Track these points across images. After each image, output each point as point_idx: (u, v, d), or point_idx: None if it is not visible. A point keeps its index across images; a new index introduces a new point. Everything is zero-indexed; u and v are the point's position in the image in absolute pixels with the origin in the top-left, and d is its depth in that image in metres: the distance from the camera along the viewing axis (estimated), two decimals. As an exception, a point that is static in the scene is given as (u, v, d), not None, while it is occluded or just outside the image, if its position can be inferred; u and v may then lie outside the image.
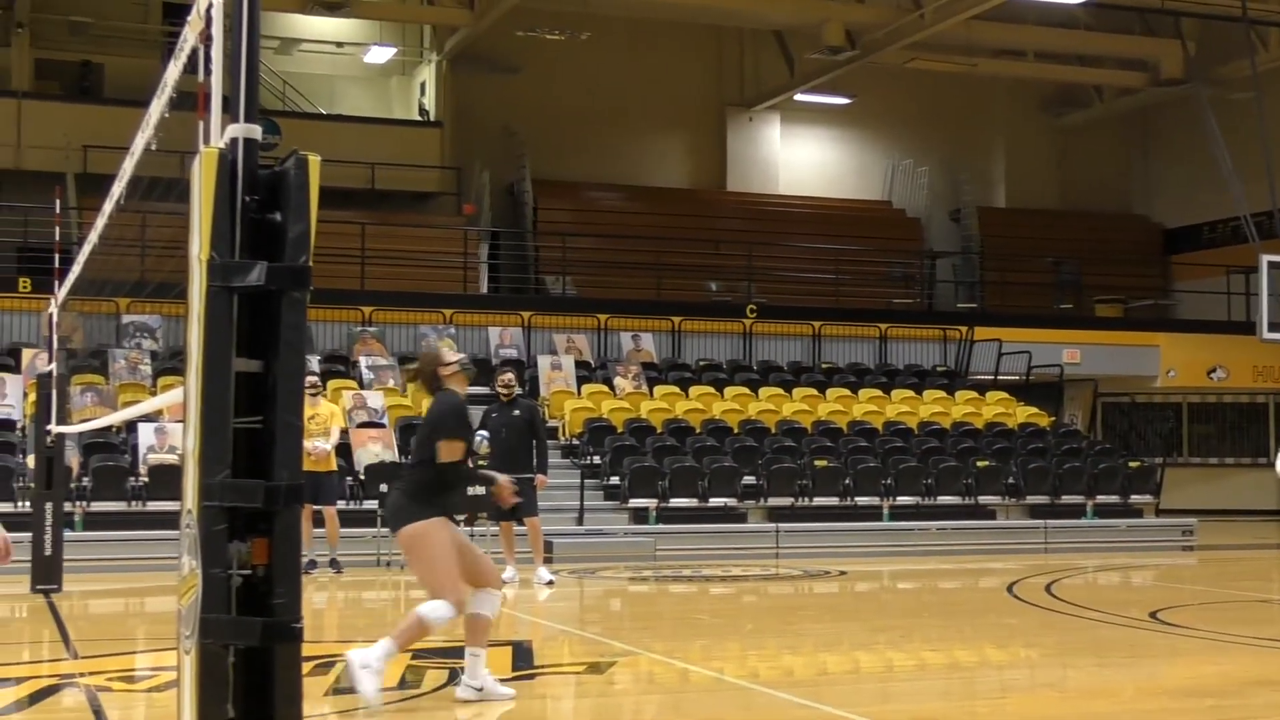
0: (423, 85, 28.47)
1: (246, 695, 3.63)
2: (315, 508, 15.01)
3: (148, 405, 8.93)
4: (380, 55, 28.15)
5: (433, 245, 25.15)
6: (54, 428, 12.79)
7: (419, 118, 28.27)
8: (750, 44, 30.54)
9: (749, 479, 20.06)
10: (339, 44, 27.35)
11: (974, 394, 24.57)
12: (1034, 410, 24.28)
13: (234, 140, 3.89)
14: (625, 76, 28.91)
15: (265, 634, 3.59)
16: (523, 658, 9.28)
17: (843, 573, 16.45)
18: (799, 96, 30.09)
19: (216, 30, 4.28)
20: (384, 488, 16.37)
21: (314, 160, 3.87)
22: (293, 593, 3.64)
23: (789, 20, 27.74)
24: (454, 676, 8.50)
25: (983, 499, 21.13)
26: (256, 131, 3.92)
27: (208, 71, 4.40)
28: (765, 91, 30.32)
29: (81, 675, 8.55)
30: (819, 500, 20.25)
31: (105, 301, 19.59)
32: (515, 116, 27.71)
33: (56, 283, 13.03)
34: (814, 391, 23.48)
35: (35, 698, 7.82)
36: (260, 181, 3.88)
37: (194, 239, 3.84)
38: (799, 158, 31.62)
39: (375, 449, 18.22)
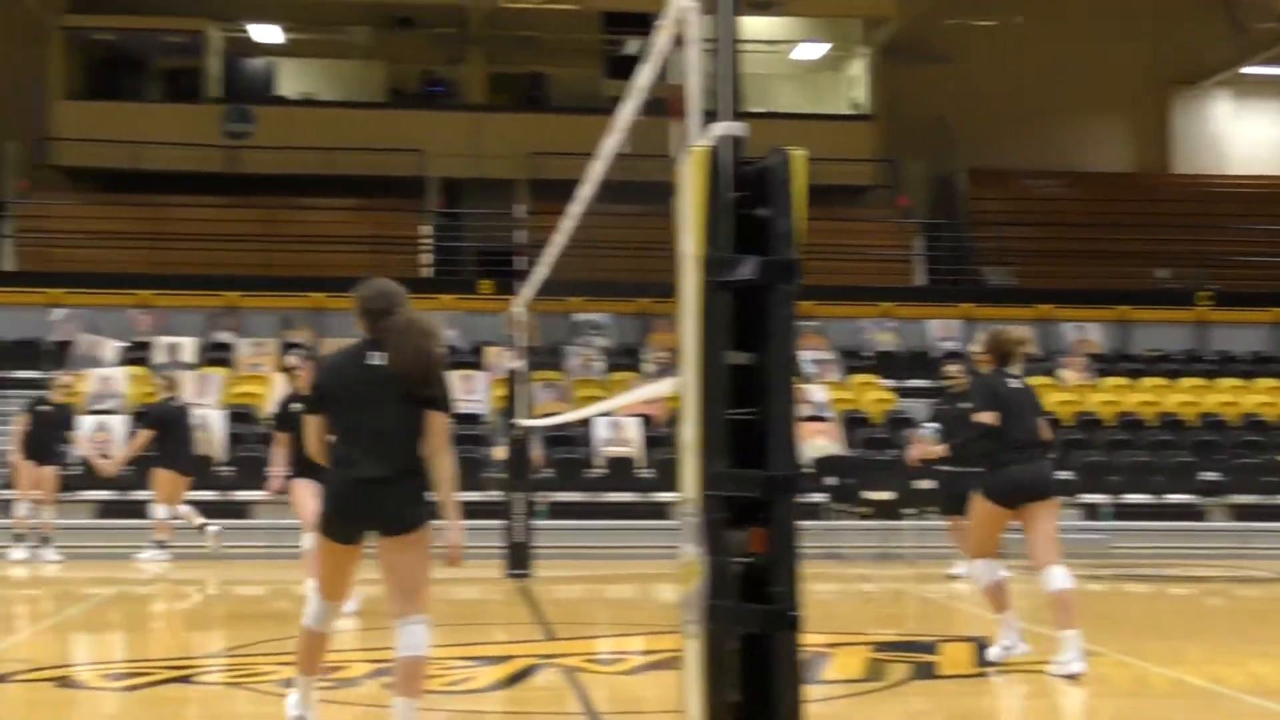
0: (853, 79, 28.45)
1: (748, 680, 3.73)
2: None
3: (624, 399, 9.26)
4: (811, 51, 28.30)
5: (868, 238, 25.12)
6: (521, 421, 13.50)
7: (851, 112, 28.26)
8: (1194, 17, 28.98)
9: (1209, 475, 19.09)
10: (770, 42, 27.64)
11: None
12: None
13: (719, 138, 3.98)
14: (1059, 59, 27.96)
15: (766, 621, 3.68)
16: (981, 655, 9.13)
17: (1319, 575, 15.42)
18: (1250, 69, 28.37)
19: (691, 33, 4.40)
20: (832, 480, 16.50)
21: (798, 156, 3.92)
22: (791, 582, 3.72)
23: (1239, -11, 26.23)
24: (918, 671, 8.49)
25: None
26: (741, 129, 4.00)
27: (683, 74, 4.52)
28: (1211, 66, 28.71)
29: (557, 657, 8.97)
30: (1289, 498, 19.06)
31: (558, 300, 20.50)
32: (947, 106, 27.28)
33: (519, 283, 13.74)
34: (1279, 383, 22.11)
35: (516, 677, 8.25)
36: (745, 178, 3.96)
37: (685, 236, 3.95)
38: (1252, 135, 29.78)
39: (821, 442, 18.35)
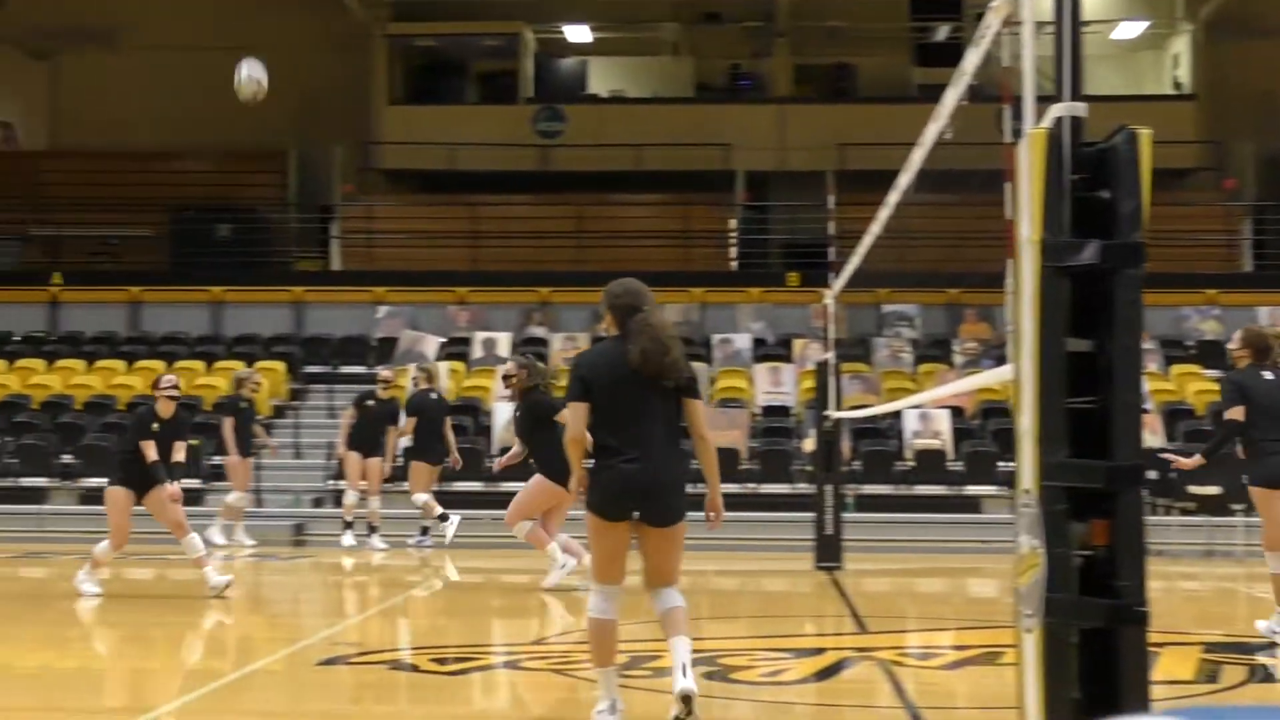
0: (1176, 57, 27.30)
1: (1090, 677, 3.61)
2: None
3: (941, 390, 9.13)
4: (1130, 30, 27.29)
5: (1191, 223, 24.04)
6: (831, 413, 13.45)
7: (1172, 91, 27.14)
8: None
9: None
10: (1087, 22, 26.75)
11: None
12: None
13: (1058, 120, 3.87)
14: (1405, 28, 26.22)
15: (1110, 616, 3.56)
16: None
17: None
18: None
19: (1027, 13, 4.29)
20: (1153, 474, 15.88)
21: (1144, 135, 3.78)
22: (1137, 576, 3.59)
23: None
24: (1255, 674, 8.11)
25: None
26: (1082, 110, 3.88)
27: (1016, 56, 4.41)
28: None
29: (871, 650, 8.90)
30: None
31: (867, 292, 20.34)
32: (1278, 81, 25.91)
33: (831, 275, 13.68)
34: None
35: (830, 670, 8.23)
36: (1086, 159, 3.84)
37: (1022, 221, 3.86)
38: None
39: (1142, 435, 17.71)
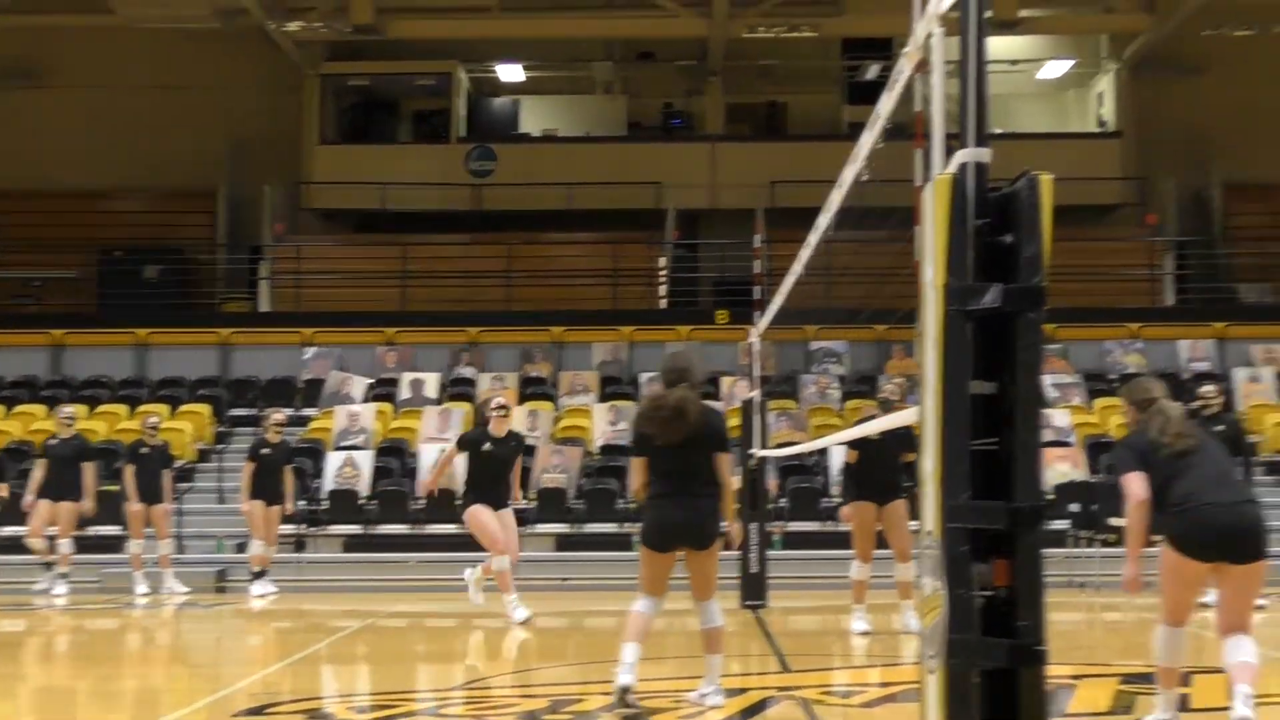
0: (1100, 96, 27.72)
1: (991, 716, 3.63)
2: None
3: (864, 428, 9.17)
4: (1056, 69, 27.70)
5: (1115, 258, 24.40)
6: (756, 451, 13.48)
7: (1097, 129, 27.55)
8: None
9: None
10: (1013, 61, 27.13)
11: None
12: None
13: (963, 165, 3.91)
14: (1322, 68, 26.76)
15: (1011, 656, 3.58)
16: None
17: None
18: None
19: (936, 59, 4.34)
20: (1075, 507, 16.07)
21: (1045, 180, 3.83)
22: (1036, 615, 3.62)
23: None
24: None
25: None
26: (986, 155, 3.93)
27: (927, 100, 4.46)
28: None
29: (793, 688, 8.90)
30: None
31: (794, 329, 20.42)
32: (1201, 120, 26.33)
33: (756, 313, 13.74)
34: None
35: (752, 709, 8.21)
36: (990, 204, 3.89)
37: (927, 264, 3.89)
38: None
39: (1064, 468, 17.86)
